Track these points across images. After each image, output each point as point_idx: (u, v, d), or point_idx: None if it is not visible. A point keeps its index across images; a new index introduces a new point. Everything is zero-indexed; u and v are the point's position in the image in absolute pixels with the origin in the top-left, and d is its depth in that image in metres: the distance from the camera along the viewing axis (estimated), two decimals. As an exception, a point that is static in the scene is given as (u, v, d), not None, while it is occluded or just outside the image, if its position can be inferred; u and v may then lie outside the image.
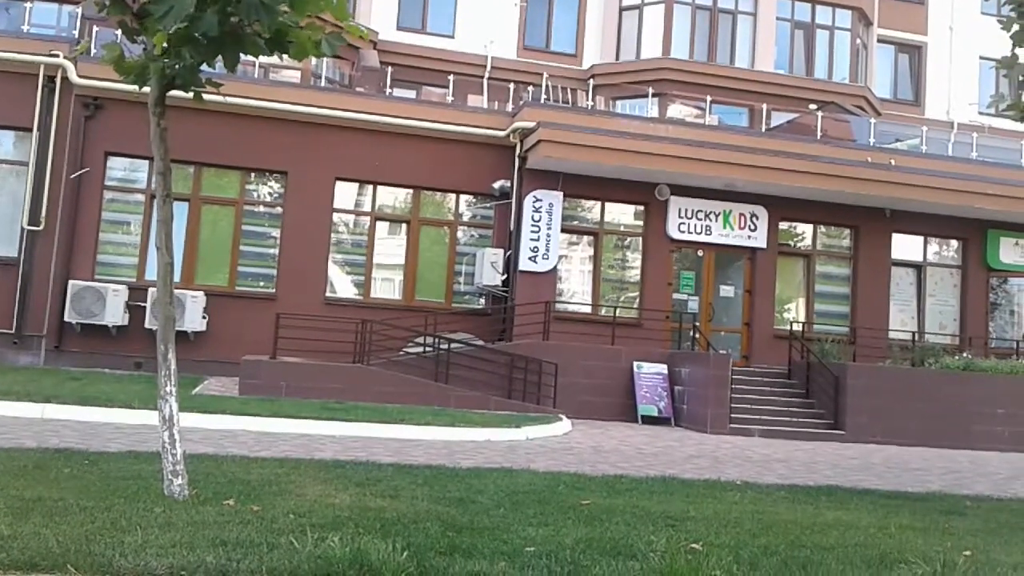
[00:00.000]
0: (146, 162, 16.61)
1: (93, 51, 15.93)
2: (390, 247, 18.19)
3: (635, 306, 18.07)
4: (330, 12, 6.17)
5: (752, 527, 6.60)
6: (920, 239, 19.95)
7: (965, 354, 17.53)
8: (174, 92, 6.44)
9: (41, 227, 16.37)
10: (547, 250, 17.46)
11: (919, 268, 20.00)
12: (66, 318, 16.00)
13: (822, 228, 19.50)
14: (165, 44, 6.21)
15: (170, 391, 6.32)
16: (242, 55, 6.32)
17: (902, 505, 8.35)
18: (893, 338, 18.67)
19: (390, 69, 20.83)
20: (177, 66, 6.21)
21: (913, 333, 18.91)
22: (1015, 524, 7.75)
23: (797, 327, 17.97)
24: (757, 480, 9.57)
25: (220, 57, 6.20)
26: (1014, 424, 16.21)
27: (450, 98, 19.29)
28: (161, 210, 6.52)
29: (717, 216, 18.33)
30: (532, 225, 17.45)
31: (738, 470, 10.51)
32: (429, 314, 16.84)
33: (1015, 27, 9.89)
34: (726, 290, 18.74)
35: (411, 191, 18.13)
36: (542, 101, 19.98)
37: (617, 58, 25.86)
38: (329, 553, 4.70)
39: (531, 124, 17.15)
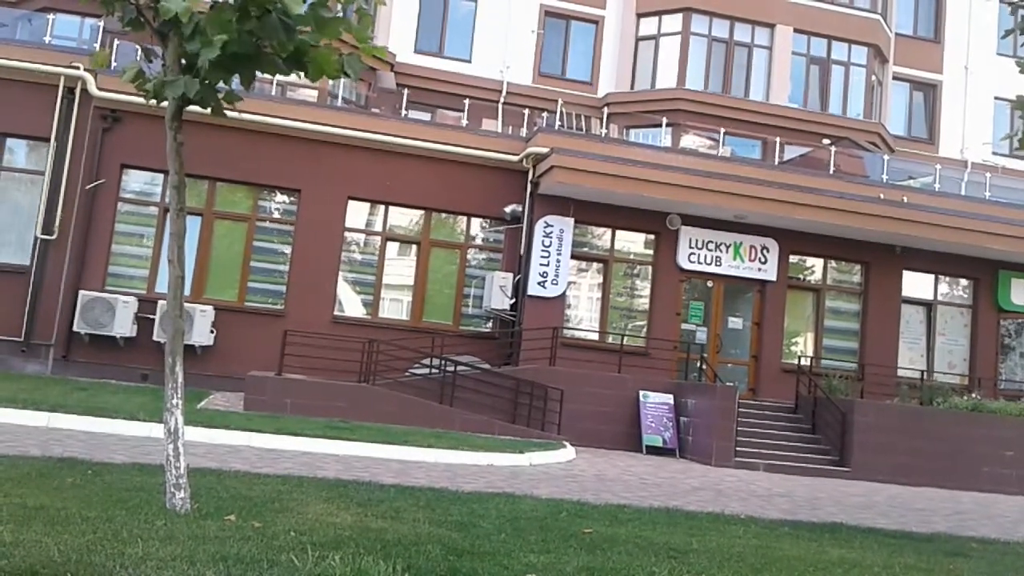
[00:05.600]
0: (161, 175, 16.72)
1: (114, 64, 16.10)
2: (400, 268, 18.23)
3: (643, 335, 18.03)
4: (351, 34, 6.23)
5: (755, 562, 6.55)
6: (931, 277, 19.90)
7: (974, 395, 17.42)
8: (192, 107, 6.50)
9: (54, 236, 16.46)
10: (556, 276, 17.48)
11: (929, 306, 19.93)
12: (75, 328, 16.05)
13: (832, 263, 19.48)
14: (183, 61, 6.29)
15: (176, 404, 6.32)
16: (259, 73, 6.39)
17: (907, 545, 8.28)
18: (902, 376, 18.57)
19: (406, 91, 20.98)
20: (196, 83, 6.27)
21: (922, 372, 18.80)
22: (1021, 568, 7.67)
23: (805, 361, 17.89)
24: (761, 514, 9.50)
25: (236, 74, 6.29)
26: (1022, 467, 16.07)
27: (465, 122, 19.40)
28: (174, 223, 6.55)
29: (728, 247, 18.33)
30: (542, 250, 17.48)
31: (742, 504, 10.44)
32: (436, 336, 16.84)
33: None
34: (734, 322, 18.70)
35: (423, 212, 18.19)
36: (556, 127, 20.06)
37: (632, 87, 26.02)
38: (329, 572, 4.68)
39: (544, 150, 17.22)
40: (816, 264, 19.41)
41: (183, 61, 6.33)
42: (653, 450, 15.77)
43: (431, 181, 17.84)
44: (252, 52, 6.06)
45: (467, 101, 20.03)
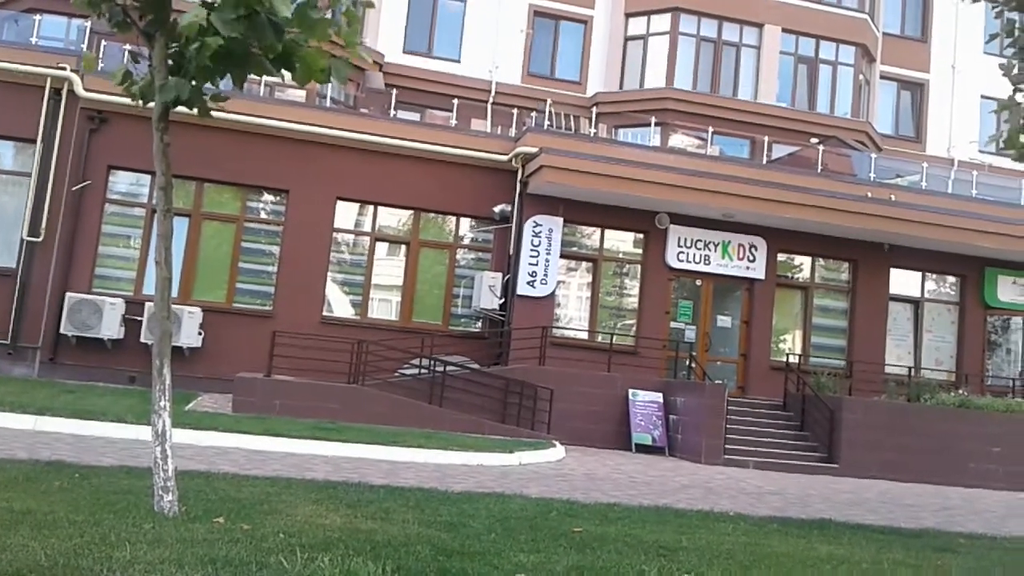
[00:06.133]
0: (148, 176, 16.62)
1: (100, 65, 16.01)
2: (389, 268, 18.21)
3: (632, 334, 18.06)
4: (340, 37, 6.23)
5: (744, 559, 6.57)
6: (918, 275, 19.99)
7: (961, 391, 17.50)
8: (179, 108, 6.49)
9: (40, 238, 16.37)
10: (545, 275, 17.49)
11: (917, 304, 20.03)
12: (62, 330, 15.96)
13: (820, 261, 19.55)
14: (170, 63, 6.28)
15: (164, 406, 6.30)
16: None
17: (895, 541, 8.32)
18: (889, 373, 18.64)
19: (395, 91, 20.95)
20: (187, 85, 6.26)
21: (909, 368, 18.88)
22: (1008, 562, 7.72)
23: (793, 359, 17.95)
24: (750, 512, 9.53)
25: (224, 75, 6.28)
26: (1008, 463, 16.16)
27: (454, 121, 19.38)
28: (161, 225, 6.53)
29: (716, 246, 18.37)
30: (531, 250, 17.48)
31: (731, 501, 10.47)
32: (426, 336, 16.81)
33: (1015, 70, 9.98)
34: (723, 320, 18.75)
35: (412, 213, 18.17)
36: (545, 127, 20.07)
37: (621, 87, 26.06)
38: (319, 574, 4.68)
39: (533, 150, 17.23)
40: (804, 262, 19.48)
41: (170, 62, 6.31)
42: (643, 448, 15.80)
43: (420, 181, 17.82)
44: (241, 53, 6.05)
45: (456, 101, 20.01)
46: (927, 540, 8.58)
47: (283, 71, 6.28)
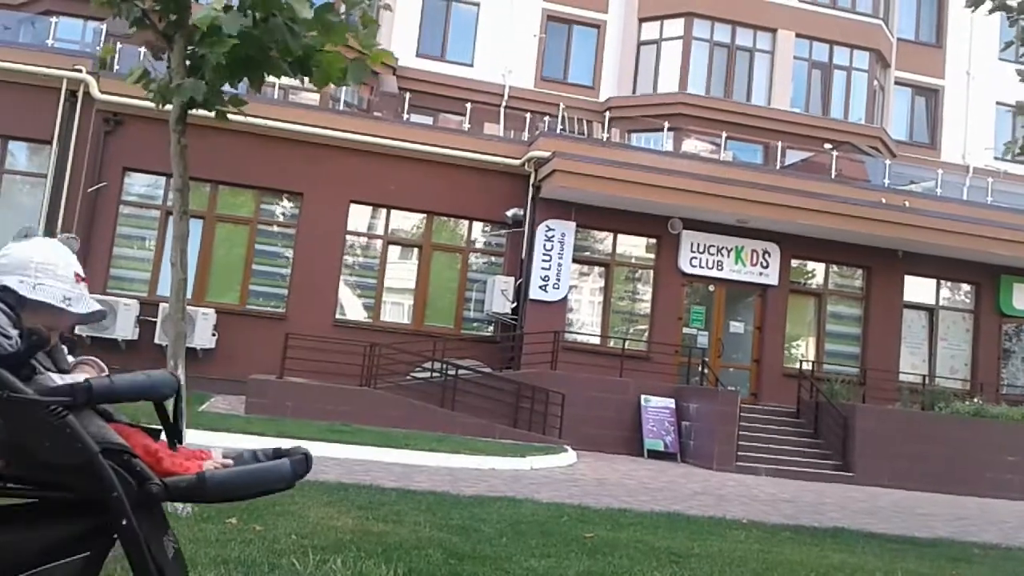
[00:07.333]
0: (163, 178, 16.71)
1: (116, 67, 16.11)
2: (401, 271, 18.23)
3: (644, 339, 18.02)
4: (357, 40, 6.24)
5: (756, 566, 6.53)
6: (933, 282, 19.87)
7: (976, 399, 17.39)
8: (194, 110, 6.51)
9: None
10: (558, 280, 17.47)
11: (931, 311, 19.91)
12: (76, 331, 16.04)
13: (834, 267, 19.47)
14: (188, 63, 6.31)
15: (178, 407, 6.30)
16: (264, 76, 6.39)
17: (909, 550, 8.26)
18: (903, 381, 18.54)
19: (408, 95, 21.00)
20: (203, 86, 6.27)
21: (924, 376, 18.78)
22: (1022, 574, 7.65)
23: (807, 366, 17.88)
24: (762, 519, 9.48)
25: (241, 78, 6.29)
26: (1024, 472, 16.05)
27: (467, 126, 19.40)
28: (177, 226, 6.55)
29: (729, 252, 18.32)
30: (544, 254, 17.47)
31: (743, 508, 10.42)
32: (438, 339, 16.81)
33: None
34: (736, 326, 18.68)
35: (424, 216, 18.20)
36: (558, 131, 20.08)
37: (634, 91, 26.01)
38: (330, 576, 4.67)
39: (546, 154, 17.23)
40: (818, 268, 19.41)
41: (188, 63, 6.34)
42: (654, 454, 15.75)
43: (433, 185, 17.84)
44: (258, 55, 6.07)
45: (469, 105, 20.05)
46: (941, 550, 8.52)
47: (301, 75, 6.29)
